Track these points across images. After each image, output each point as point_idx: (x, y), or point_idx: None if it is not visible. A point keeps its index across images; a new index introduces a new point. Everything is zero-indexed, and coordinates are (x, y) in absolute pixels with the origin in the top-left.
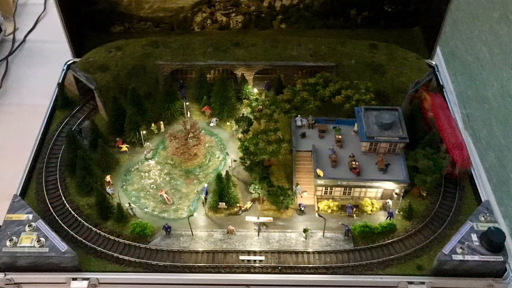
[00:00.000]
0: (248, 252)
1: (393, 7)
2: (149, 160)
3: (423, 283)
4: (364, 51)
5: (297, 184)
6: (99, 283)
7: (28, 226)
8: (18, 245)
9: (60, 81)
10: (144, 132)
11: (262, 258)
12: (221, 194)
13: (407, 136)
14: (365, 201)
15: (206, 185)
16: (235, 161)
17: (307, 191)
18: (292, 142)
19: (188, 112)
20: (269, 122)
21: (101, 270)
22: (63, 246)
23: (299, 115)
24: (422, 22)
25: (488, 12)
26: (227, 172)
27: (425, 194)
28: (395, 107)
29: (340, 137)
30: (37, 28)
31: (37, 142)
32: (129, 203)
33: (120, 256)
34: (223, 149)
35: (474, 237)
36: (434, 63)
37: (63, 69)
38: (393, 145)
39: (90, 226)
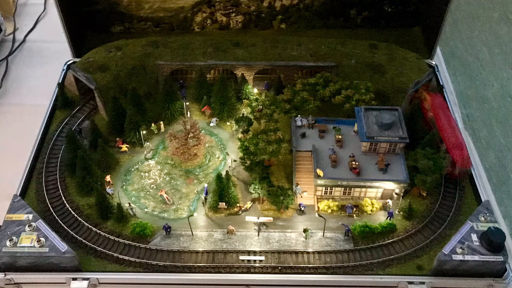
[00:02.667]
0: (248, 252)
1: (393, 7)
2: (149, 160)
3: (423, 283)
4: (364, 51)
5: (297, 184)
6: (99, 283)
7: (28, 226)
8: (18, 245)
9: (60, 81)
10: (144, 132)
11: (262, 258)
12: (221, 194)
13: (407, 136)
14: (365, 201)
15: (206, 185)
16: (235, 161)
17: (307, 191)
18: (292, 142)
19: (188, 112)
20: (269, 122)
21: (101, 270)
22: (63, 246)
23: (299, 115)
24: (422, 22)
25: (488, 12)
26: (227, 172)
27: (425, 194)
28: (395, 107)
29: (340, 137)
30: (37, 28)
31: (37, 142)
32: (129, 203)
33: (120, 256)
34: (223, 149)
35: (474, 237)
36: (434, 63)
37: (63, 69)
38: (393, 145)
39: (90, 226)
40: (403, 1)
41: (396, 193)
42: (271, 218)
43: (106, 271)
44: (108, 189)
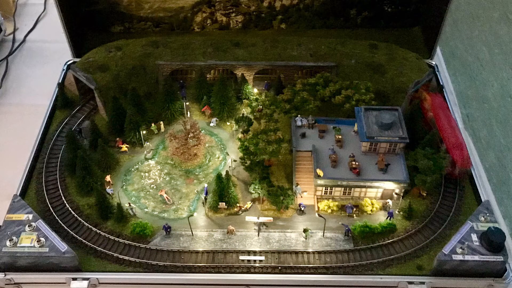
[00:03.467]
0: (248, 252)
1: (393, 7)
2: (149, 160)
3: (423, 283)
4: (364, 51)
5: (297, 184)
6: (99, 283)
7: (28, 226)
8: (18, 245)
9: (60, 81)
10: (144, 132)
11: (262, 258)
12: (221, 194)
13: (407, 136)
14: (365, 201)
15: (206, 185)
16: (235, 161)
17: (307, 191)
18: (292, 142)
19: (188, 112)
20: (269, 122)
21: (101, 270)
22: (63, 246)
23: (299, 115)
24: (422, 22)
25: (488, 12)
26: (227, 172)
27: (425, 194)
28: (395, 107)
29: (340, 137)
30: (37, 28)
31: (37, 142)
32: (129, 203)
33: (120, 256)
34: (223, 149)
35: (474, 237)
36: (434, 63)
37: (63, 69)
38: (393, 145)
39: (90, 226)
40: (403, 1)
41: (396, 193)
42: (271, 218)
43: (106, 271)
44: (108, 189)
